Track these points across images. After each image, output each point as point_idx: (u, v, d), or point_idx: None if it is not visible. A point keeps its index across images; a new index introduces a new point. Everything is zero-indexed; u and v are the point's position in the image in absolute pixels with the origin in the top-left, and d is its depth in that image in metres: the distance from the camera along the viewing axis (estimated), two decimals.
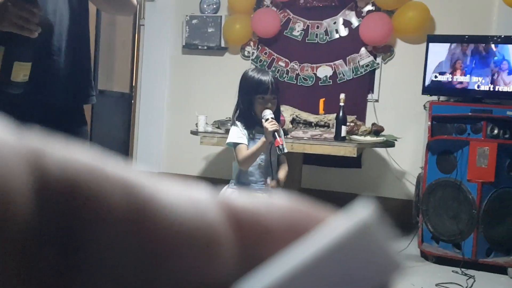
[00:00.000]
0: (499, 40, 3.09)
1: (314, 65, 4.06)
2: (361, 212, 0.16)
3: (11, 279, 0.13)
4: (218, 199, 0.17)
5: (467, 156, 2.88)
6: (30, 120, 1.40)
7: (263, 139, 2.13)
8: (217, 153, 4.34)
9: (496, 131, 2.88)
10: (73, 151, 0.15)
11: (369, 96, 3.95)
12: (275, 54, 4.17)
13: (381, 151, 3.89)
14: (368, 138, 3.15)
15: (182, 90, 4.49)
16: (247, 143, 2.20)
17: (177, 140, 4.47)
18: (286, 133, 3.01)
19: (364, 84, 3.96)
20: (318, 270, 0.15)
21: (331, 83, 4.01)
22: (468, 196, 2.86)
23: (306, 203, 0.18)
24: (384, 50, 3.91)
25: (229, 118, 3.34)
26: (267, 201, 0.17)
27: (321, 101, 3.55)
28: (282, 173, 2.31)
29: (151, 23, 4.53)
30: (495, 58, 3.09)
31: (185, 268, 0.15)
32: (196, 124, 3.39)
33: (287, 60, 4.13)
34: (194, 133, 3.39)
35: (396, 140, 3.30)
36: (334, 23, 4.02)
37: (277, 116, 2.24)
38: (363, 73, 3.95)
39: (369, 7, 3.91)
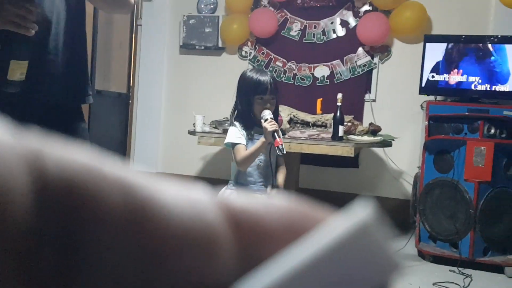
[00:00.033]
0: (496, 40, 3.10)
1: (312, 65, 4.06)
2: (360, 212, 0.16)
3: (11, 280, 0.13)
4: (217, 199, 0.17)
5: (464, 155, 2.88)
6: (28, 119, 1.39)
7: (262, 139, 2.11)
8: (215, 153, 4.34)
9: (493, 131, 2.88)
10: (71, 152, 0.15)
11: (366, 96, 3.96)
12: (273, 54, 4.17)
13: (379, 151, 3.89)
14: (366, 138, 3.16)
15: (179, 90, 4.49)
16: (245, 144, 2.18)
17: (175, 140, 4.47)
18: (283, 133, 3.01)
19: (361, 84, 3.96)
20: (317, 270, 0.15)
21: (328, 83, 4.02)
22: (465, 195, 2.87)
23: (305, 203, 0.18)
24: (381, 50, 3.92)
25: (227, 118, 3.34)
26: (266, 201, 0.17)
27: (319, 101, 3.55)
28: (281, 178, 2.31)
29: (148, 23, 4.53)
30: (492, 58, 3.10)
31: (184, 269, 0.15)
32: (194, 124, 3.39)
33: (284, 60, 4.14)
34: (192, 133, 3.39)
35: (393, 140, 3.30)
36: (332, 23, 4.02)
37: (276, 116, 2.22)
38: (360, 73, 3.96)
39: (366, 7, 3.92)
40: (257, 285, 0.15)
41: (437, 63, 3.20)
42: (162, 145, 4.57)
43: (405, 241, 3.04)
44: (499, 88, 3.08)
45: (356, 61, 3.96)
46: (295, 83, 4.09)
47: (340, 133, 2.95)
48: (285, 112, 3.38)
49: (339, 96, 2.95)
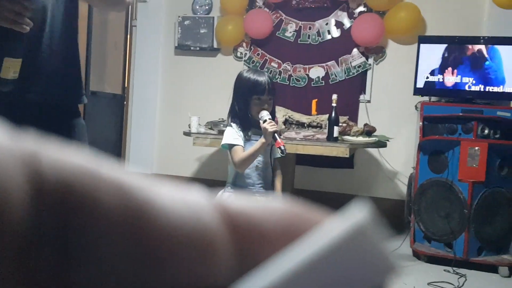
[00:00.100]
0: (489, 41, 3.11)
1: (307, 66, 4.07)
2: (356, 214, 0.16)
3: (9, 281, 0.13)
4: (215, 202, 0.17)
5: (458, 156, 2.90)
6: (21, 118, 1.37)
7: (262, 140, 2.07)
8: (210, 154, 4.34)
9: (486, 131, 2.90)
10: (68, 154, 0.15)
11: (361, 97, 3.97)
12: (268, 55, 4.17)
13: (373, 151, 3.90)
14: (360, 139, 3.17)
15: (174, 91, 4.48)
16: (243, 145, 2.14)
17: (170, 141, 4.46)
18: (279, 134, 3.00)
19: (356, 85, 3.97)
20: (314, 272, 0.15)
21: (323, 84, 4.02)
22: (459, 195, 2.88)
23: (302, 206, 0.18)
24: (376, 51, 3.93)
25: (222, 119, 3.34)
26: (263, 204, 0.17)
27: (314, 102, 3.56)
28: (279, 185, 2.28)
29: (143, 24, 4.52)
30: (486, 59, 3.11)
31: (181, 271, 0.15)
32: (189, 125, 3.39)
33: (279, 61, 4.14)
34: (187, 134, 3.38)
35: (388, 140, 3.31)
36: (326, 24, 4.03)
37: (273, 117, 2.19)
38: (355, 74, 3.97)
39: (361, 8, 3.93)
40: (255, 287, 0.15)
41: (431, 64, 3.22)
42: (158, 146, 4.57)
43: (400, 241, 3.05)
44: (493, 89, 3.10)
45: (351, 62, 3.97)
46: (290, 84, 4.09)
47: (335, 134, 2.96)
48: (281, 113, 3.38)
49: (334, 97, 2.96)
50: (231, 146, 2.14)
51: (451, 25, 3.69)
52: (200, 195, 0.17)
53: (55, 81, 1.45)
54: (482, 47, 3.11)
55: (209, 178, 4.24)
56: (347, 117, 3.53)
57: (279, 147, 2.04)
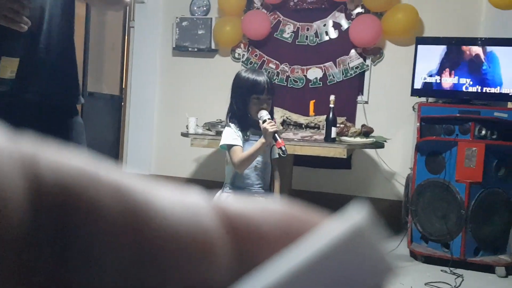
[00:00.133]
0: (486, 42, 3.12)
1: (304, 67, 4.07)
2: (354, 216, 0.16)
3: (8, 283, 0.13)
4: (213, 203, 0.17)
5: (455, 156, 2.90)
6: (19, 118, 1.36)
7: (261, 140, 2.04)
8: (208, 155, 4.34)
9: (483, 132, 2.90)
10: (66, 156, 0.15)
11: (359, 98, 3.98)
12: (266, 56, 4.17)
13: (371, 152, 3.91)
14: (358, 139, 3.17)
15: (172, 92, 4.48)
16: (242, 145, 2.11)
17: (168, 142, 4.46)
18: (279, 134, 2.99)
19: (353, 85, 3.98)
20: (312, 273, 0.15)
21: (321, 85, 4.03)
22: (457, 196, 2.89)
23: (301, 207, 0.18)
24: (374, 52, 3.94)
25: (220, 120, 3.34)
26: (262, 206, 0.17)
27: (311, 102, 3.56)
28: (277, 188, 2.27)
29: (141, 25, 4.52)
30: (483, 59, 3.12)
31: (180, 273, 0.15)
32: (187, 126, 3.39)
33: (277, 62, 4.14)
34: (185, 135, 3.38)
35: (385, 141, 3.32)
36: (324, 25, 4.03)
37: (271, 117, 2.15)
38: (353, 75, 3.97)
39: (358, 9, 3.94)
40: None
41: (429, 65, 3.22)
42: (155, 147, 4.56)
43: (397, 241, 3.05)
44: (490, 89, 3.11)
45: (348, 63, 3.98)
46: (288, 85, 4.10)
47: (333, 135, 2.96)
48: (278, 114, 3.38)
49: (332, 98, 2.96)
50: (230, 147, 2.11)
51: (449, 26, 3.70)
52: (198, 197, 0.17)
53: (52, 81, 1.43)
54: (479, 48, 3.12)
55: (207, 179, 4.24)
56: (345, 118, 3.53)
57: (280, 147, 2.02)
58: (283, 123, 3.40)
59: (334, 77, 4.00)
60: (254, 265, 0.16)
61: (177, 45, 4.34)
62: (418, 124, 3.07)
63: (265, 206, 0.17)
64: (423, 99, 3.33)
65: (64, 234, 0.14)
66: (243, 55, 4.24)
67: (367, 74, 3.96)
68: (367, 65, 3.95)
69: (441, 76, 3.20)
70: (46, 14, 1.39)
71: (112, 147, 4.66)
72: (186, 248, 0.15)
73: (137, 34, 4.54)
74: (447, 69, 3.19)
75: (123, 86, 4.75)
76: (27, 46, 1.36)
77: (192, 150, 3.89)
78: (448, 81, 3.19)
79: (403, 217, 3.29)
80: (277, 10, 4.13)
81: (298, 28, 4.09)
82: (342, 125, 3.23)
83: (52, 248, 0.13)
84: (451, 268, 2.82)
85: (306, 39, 4.07)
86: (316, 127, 3.39)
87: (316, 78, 4.05)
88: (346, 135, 3.22)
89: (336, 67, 4.00)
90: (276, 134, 2.02)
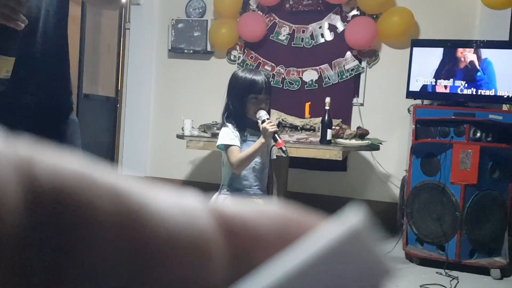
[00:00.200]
0: (481, 44, 3.14)
1: (300, 69, 4.08)
2: (351, 218, 0.16)
3: (3, 286, 0.13)
4: (209, 206, 0.17)
5: (450, 159, 2.91)
6: (14, 119, 1.35)
7: (261, 140, 2.00)
8: (203, 157, 4.33)
9: (478, 134, 2.92)
10: (62, 158, 0.15)
11: (354, 100, 3.99)
12: (261, 58, 4.18)
13: (366, 154, 3.92)
14: (353, 142, 3.18)
15: (168, 94, 4.47)
16: (239, 145, 2.07)
17: (163, 144, 4.46)
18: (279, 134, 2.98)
19: (349, 88, 3.99)
20: (309, 276, 0.15)
21: (316, 87, 4.03)
22: (452, 198, 2.90)
23: (297, 210, 0.18)
24: (369, 55, 3.95)
25: (215, 122, 3.34)
26: (258, 208, 0.17)
27: (307, 105, 3.57)
28: (273, 189, 2.25)
29: (136, 26, 4.52)
30: (478, 62, 3.14)
31: (176, 275, 0.15)
32: (182, 128, 3.38)
33: (273, 64, 4.15)
34: (180, 137, 3.38)
35: (381, 143, 3.33)
36: (320, 27, 4.04)
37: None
38: (348, 77, 3.98)
39: (354, 12, 3.95)
40: None
41: (424, 68, 3.24)
42: (151, 149, 4.56)
43: (393, 244, 3.06)
44: (485, 92, 3.12)
45: (344, 65, 3.98)
46: (284, 87, 4.10)
47: (328, 137, 2.97)
48: (274, 116, 3.39)
49: (327, 100, 2.97)
50: (227, 147, 2.06)
51: (444, 29, 3.72)
52: (195, 199, 0.17)
53: (48, 81, 1.43)
54: (475, 50, 3.13)
55: (203, 181, 4.24)
56: (340, 120, 3.54)
57: (281, 148, 1.99)
58: (279, 125, 3.41)
59: (329, 79, 4.01)
60: (251, 268, 0.16)
61: (172, 47, 4.34)
62: (414, 126, 3.08)
63: (262, 209, 0.17)
64: (419, 102, 3.34)
65: (60, 236, 0.14)
66: (239, 57, 4.24)
67: (362, 76, 3.97)
68: (363, 67, 3.96)
69: (436, 79, 3.21)
70: (42, 13, 1.38)
71: (107, 149, 4.65)
72: (183, 251, 0.15)
73: (133, 35, 4.53)
74: (442, 72, 3.20)
75: (119, 88, 4.75)
76: (23, 46, 1.34)
77: (188, 152, 3.89)
78: (443, 83, 3.20)
79: (398, 219, 3.29)
80: (273, 12, 4.14)
81: (293, 30, 4.10)
82: (337, 127, 3.24)
83: (48, 250, 0.13)
84: (446, 270, 2.82)
85: (302, 41, 4.08)
86: (312, 129, 3.39)
87: (311, 80, 4.06)
88: (342, 137, 3.22)
89: (331, 69, 4.01)
90: (276, 135, 1.99)
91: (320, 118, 3.10)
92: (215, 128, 3.21)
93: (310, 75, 4.06)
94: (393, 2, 3.84)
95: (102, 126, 4.57)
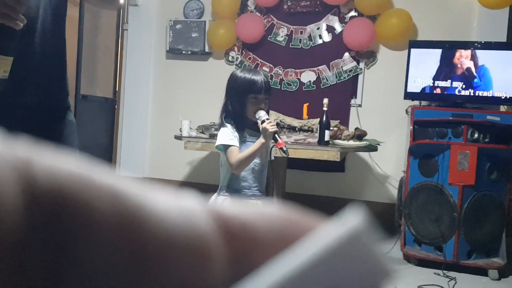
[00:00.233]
0: (479, 45, 3.15)
1: (298, 70, 4.08)
2: (351, 220, 0.16)
3: (2, 287, 0.13)
4: (209, 207, 0.17)
5: (448, 160, 2.92)
6: (12, 120, 1.34)
7: (261, 140, 1.98)
8: (201, 158, 4.33)
9: (476, 135, 2.92)
10: (61, 160, 0.15)
11: (352, 101, 3.99)
12: (259, 59, 4.18)
13: (364, 155, 3.92)
14: (351, 143, 3.18)
15: (166, 95, 4.47)
16: (239, 146, 2.04)
17: (161, 145, 4.45)
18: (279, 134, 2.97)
19: (347, 89, 3.99)
20: (309, 277, 0.15)
21: (314, 88, 4.04)
22: (450, 199, 2.90)
23: (296, 211, 0.18)
24: (367, 56, 3.95)
25: (213, 123, 3.33)
26: (258, 210, 0.17)
27: (305, 106, 3.57)
28: (272, 190, 2.23)
29: (134, 27, 4.51)
30: (476, 63, 3.14)
31: (176, 277, 0.15)
32: (180, 129, 3.38)
33: (271, 65, 4.15)
34: (178, 138, 3.38)
35: (379, 144, 3.33)
36: (318, 28, 4.05)
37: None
38: (346, 78, 3.98)
39: (352, 13, 3.95)
40: None
41: (422, 69, 3.24)
42: (149, 150, 4.55)
43: (391, 245, 3.06)
44: (482, 93, 3.13)
45: (342, 67, 3.99)
46: (282, 88, 4.10)
47: (326, 138, 2.97)
48: (272, 117, 3.38)
49: (325, 101, 2.97)
50: (226, 147, 2.04)
51: (442, 31, 3.73)
52: (194, 201, 0.17)
53: (45, 81, 1.42)
54: (472, 51, 3.14)
55: (201, 182, 4.23)
56: (338, 121, 3.54)
57: (281, 148, 1.97)
58: (277, 126, 3.40)
59: (327, 80, 4.02)
60: (250, 269, 0.16)
61: (170, 48, 4.34)
62: (411, 127, 3.09)
63: (261, 210, 0.17)
64: (416, 103, 3.34)
65: (59, 238, 0.14)
66: (237, 58, 4.24)
67: (360, 77, 3.98)
68: (361, 69, 3.96)
69: (434, 80, 3.22)
70: (41, 13, 1.37)
71: (105, 149, 4.64)
72: (182, 252, 0.15)
73: (131, 36, 4.53)
74: (440, 73, 3.21)
75: (117, 89, 4.74)
76: (21, 45, 1.33)
77: (186, 153, 3.88)
78: (441, 84, 3.21)
79: (396, 220, 3.30)
80: (271, 13, 4.14)
81: (291, 31, 4.10)
82: (335, 128, 3.24)
83: (46, 251, 0.13)
84: (444, 271, 2.83)
85: (300, 42, 4.08)
86: (310, 130, 3.39)
87: (309, 81, 4.06)
88: (340, 138, 3.22)
89: (329, 70, 4.01)
90: (276, 135, 1.98)
91: (318, 119, 3.10)
92: (213, 129, 3.21)
93: (308, 76, 4.06)
94: (391, 4, 3.85)
95: (100, 127, 4.57)
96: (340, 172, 3.98)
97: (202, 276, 0.15)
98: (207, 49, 4.26)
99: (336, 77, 4.00)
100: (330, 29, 4.02)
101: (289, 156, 2.11)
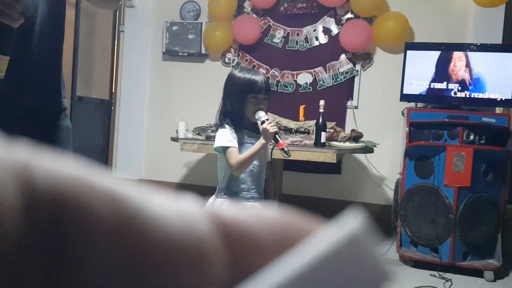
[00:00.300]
0: (475, 48, 3.16)
1: (295, 72, 4.09)
2: (350, 223, 0.16)
3: None
4: (208, 210, 0.17)
5: (444, 161, 2.92)
6: (8, 121, 1.33)
7: (261, 141, 1.95)
8: (198, 160, 4.33)
9: (472, 137, 2.93)
10: (60, 163, 0.15)
11: (349, 103, 4.00)
12: (256, 61, 4.18)
13: (361, 157, 3.93)
14: (348, 144, 3.18)
15: (162, 96, 4.47)
16: (237, 147, 2.00)
17: (157, 147, 4.45)
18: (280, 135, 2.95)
19: (343, 90, 4.00)
20: (308, 281, 0.15)
21: (311, 90, 4.04)
22: (445, 200, 2.91)
23: (295, 214, 0.18)
24: (363, 58, 3.96)
25: (210, 124, 3.33)
26: (257, 213, 0.17)
27: (301, 107, 3.57)
28: (270, 192, 2.21)
29: (131, 29, 4.51)
30: (471, 65, 3.16)
31: (175, 280, 0.15)
32: (176, 130, 3.38)
33: (267, 67, 4.15)
34: (174, 139, 3.37)
35: (375, 146, 3.34)
36: (314, 30, 4.05)
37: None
38: (343, 80, 3.99)
39: (348, 15, 3.96)
40: None
41: (418, 71, 3.25)
42: (145, 152, 4.55)
43: (387, 246, 3.06)
44: (478, 95, 3.14)
45: (338, 68, 4.00)
46: (278, 90, 4.11)
47: (323, 140, 2.97)
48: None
49: (322, 102, 2.97)
50: (225, 149, 2.00)
51: (438, 33, 3.74)
52: (193, 204, 0.17)
53: (42, 83, 1.41)
54: (468, 53, 3.15)
55: (197, 184, 4.23)
56: (335, 123, 3.55)
57: (282, 148, 1.95)
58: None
59: (324, 82, 4.02)
60: (249, 273, 0.16)
61: (167, 50, 4.34)
62: (407, 129, 3.09)
63: (260, 214, 0.17)
64: (412, 104, 3.35)
65: (58, 241, 0.14)
66: (234, 59, 4.25)
67: (356, 79, 3.99)
68: (357, 70, 3.97)
69: (430, 82, 3.23)
70: (39, 14, 1.35)
71: (101, 151, 4.63)
72: (180, 255, 0.15)
73: (127, 38, 4.53)
74: (436, 75, 3.22)
75: (113, 91, 4.73)
76: (19, 45, 1.31)
77: (182, 155, 3.88)
78: (436, 86, 3.22)
79: (392, 222, 3.30)
80: (268, 15, 4.15)
81: (288, 33, 4.11)
82: (332, 130, 3.24)
83: (45, 254, 0.13)
84: (440, 273, 2.83)
85: (296, 44, 4.09)
86: (306, 132, 3.39)
87: (306, 83, 4.06)
88: (336, 140, 3.23)
89: (326, 72, 4.02)
90: (277, 135, 1.95)
91: (315, 121, 3.11)
92: (209, 130, 3.21)
93: (304, 78, 4.07)
94: (387, 5, 3.86)
95: (96, 128, 4.56)
96: (336, 174, 3.99)
97: (201, 279, 0.15)
98: (203, 51, 4.26)
99: (333, 79, 4.00)
100: (326, 31, 4.02)
101: (285, 158, 2.09)
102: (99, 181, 0.15)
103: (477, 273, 2.88)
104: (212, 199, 2.09)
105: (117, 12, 4.61)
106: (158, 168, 4.47)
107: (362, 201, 3.92)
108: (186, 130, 3.34)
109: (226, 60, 4.27)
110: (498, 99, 3.11)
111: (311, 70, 4.05)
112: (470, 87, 3.15)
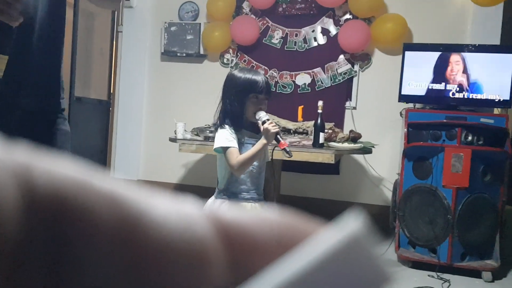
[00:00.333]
0: (473, 48, 3.17)
1: (293, 73, 4.09)
2: (350, 224, 0.16)
3: None
4: (207, 212, 0.17)
5: (442, 162, 2.93)
6: (7, 122, 1.33)
7: (262, 141, 1.94)
8: (196, 161, 4.33)
9: (470, 138, 2.93)
10: (60, 165, 0.15)
11: (347, 104, 4.00)
12: (254, 62, 4.18)
13: (359, 157, 3.93)
14: (346, 145, 3.18)
15: (160, 97, 4.47)
16: (237, 147, 1.99)
17: (156, 147, 4.44)
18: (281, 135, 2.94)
19: (342, 91, 4.00)
20: (308, 283, 0.15)
21: (309, 91, 4.05)
22: (444, 201, 2.91)
23: (296, 216, 0.18)
24: (362, 58, 3.96)
25: (208, 125, 3.33)
26: (257, 214, 0.17)
27: (300, 108, 3.57)
28: (269, 192, 2.21)
29: (129, 29, 4.51)
30: (470, 66, 3.16)
31: (175, 282, 0.15)
32: (175, 131, 3.38)
33: (266, 68, 4.16)
34: (173, 140, 3.37)
35: (373, 147, 3.34)
36: (313, 31, 4.06)
37: None
38: (341, 80, 4.00)
39: (347, 16, 3.97)
40: None
41: (416, 71, 3.26)
42: (143, 152, 4.54)
43: (385, 247, 3.07)
44: (476, 96, 3.15)
45: (337, 69, 4.00)
46: (277, 91, 4.11)
47: (321, 140, 2.97)
48: None
49: (320, 103, 2.97)
50: (225, 149, 1.99)
51: (437, 35, 3.74)
52: (193, 206, 0.17)
53: (41, 83, 1.40)
54: (466, 54, 3.16)
55: (195, 184, 4.23)
56: (333, 123, 3.55)
57: (284, 149, 1.94)
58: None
59: (322, 83, 4.02)
60: (249, 274, 0.16)
61: (165, 50, 4.34)
62: (406, 129, 3.10)
63: (260, 215, 0.17)
64: (411, 105, 3.36)
65: (58, 243, 0.14)
66: (232, 60, 4.25)
67: (355, 80, 3.99)
68: (355, 71, 3.97)
69: (428, 82, 3.23)
70: (39, 14, 1.35)
71: (99, 152, 4.63)
72: (180, 257, 0.15)
73: (126, 39, 4.53)
74: (434, 76, 3.22)
75: (111, 91, 4.73)
76: (18, 45, 1.30)
77: (180, 156, 3.88)
78: (435, 87, 3.22)
79: (390, 223, 3.30)
80: (266, 16, 4.15)
81: (286, 33, 4.11)
82: (330, 131, 3.25)
83: (45, 257, 0.13)
84: (438, 273, 2.83)
85: (295, 44, 4.09)
86: (305, 132, 3.40)
87: (304, 83, 4.07)
88: (334, 141, 3.23)
89: (324, 73, 4.02)
90: (278, 135, 1.94)
91: (313, 122, 3.11)
92: (208, 131, 3.20)
93: (303, 78, 4.07)
94: (385, 6, 3.87)
95: (94, 129, 4.56)
96: (334, 175, 3.99)
97: (201, 281, 0.15)
98: (202, 51, 4.26)
99: (331, 80, 4.01)
100: (325, 31, 4.03)
101: (284, 159, 2.08)
102: (98, 183, 0.15)
103: (475, 273, 2.88)
104: (211, 200, 2.08)
105: (116, 12, 4.61)
106: (157, 169, 4.46)
107: (361, 202, 3.92)
108: (184, 131, 3.34)
109: (225, 60, 4.27)
110: (496, 100, 3.11)
111: (310, 71, 4.05)
112: (468, 88, 3.16)
